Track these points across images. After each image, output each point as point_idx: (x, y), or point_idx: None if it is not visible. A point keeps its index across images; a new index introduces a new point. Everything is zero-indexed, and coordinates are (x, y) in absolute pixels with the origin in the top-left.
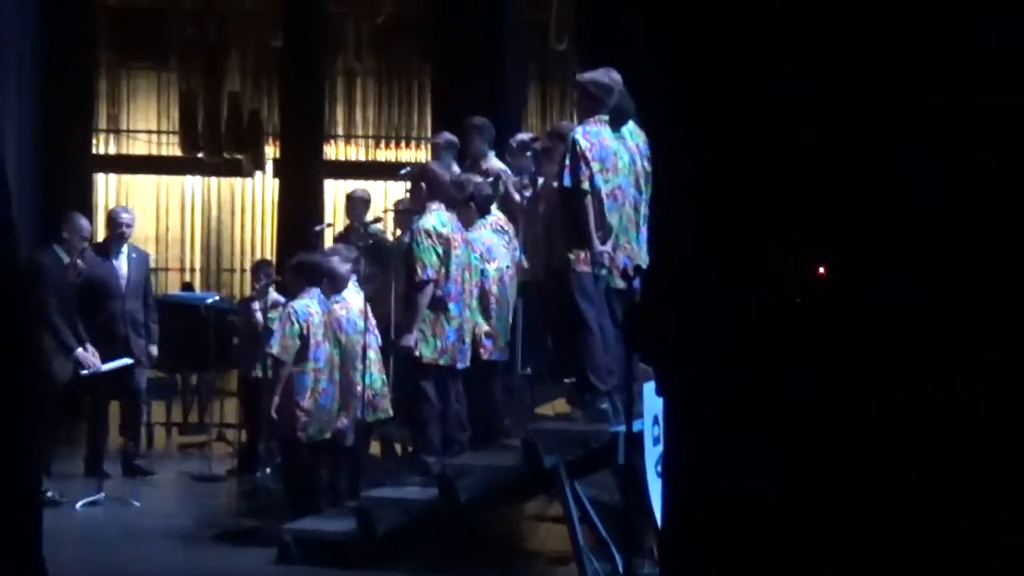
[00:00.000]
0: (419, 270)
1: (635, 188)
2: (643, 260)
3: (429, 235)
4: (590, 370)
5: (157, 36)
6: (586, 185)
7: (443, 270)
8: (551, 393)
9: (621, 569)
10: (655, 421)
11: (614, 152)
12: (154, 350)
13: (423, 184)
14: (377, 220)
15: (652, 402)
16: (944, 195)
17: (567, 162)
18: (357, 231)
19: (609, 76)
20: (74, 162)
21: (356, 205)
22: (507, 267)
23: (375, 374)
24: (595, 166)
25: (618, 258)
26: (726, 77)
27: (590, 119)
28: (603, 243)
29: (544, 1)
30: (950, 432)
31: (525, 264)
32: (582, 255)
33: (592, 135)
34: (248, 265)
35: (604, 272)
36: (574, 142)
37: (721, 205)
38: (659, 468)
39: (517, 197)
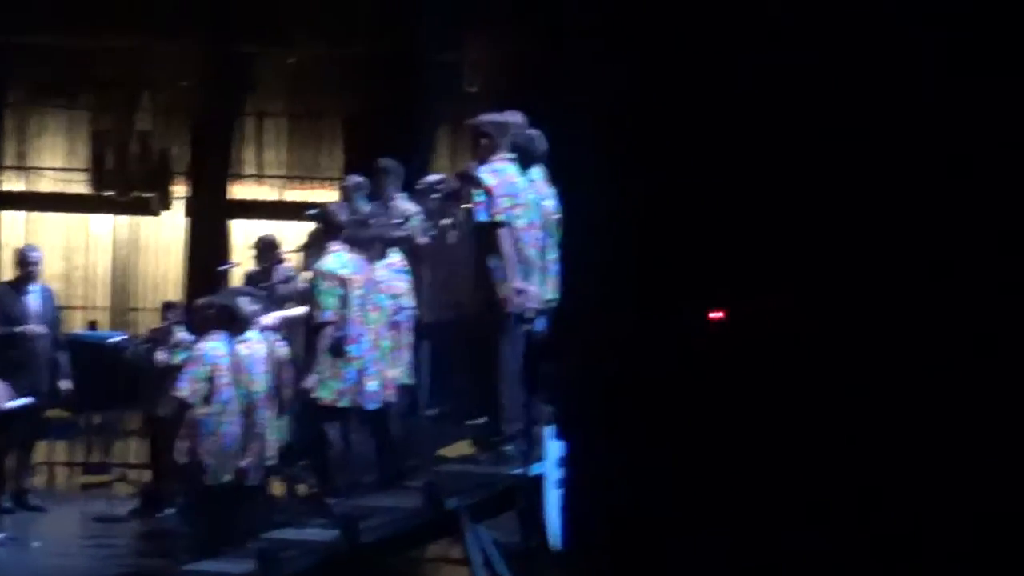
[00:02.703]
0: (317, 312)
1: (541, 229)
2: (546, 299)
3: (327, 277)
4: (500, 412)
5: (68, 74)
6: (501, 217)
7: (342, 312)
8: (455, 434)
9: None
10: (556, 464)
11: (522, 189)
12: (65, 384)
13: (328, 225)
14: (286, 262)
15: (554, 446)
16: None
17: (478, 199)
18: (265, 273)
19: (507, 117)
20: None
21: (264, 247)
22: (410, 307)
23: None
24: (506, 201)
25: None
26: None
27: (494, 158)
28: (524, 278)
29: (459, 43)
30: (836, 462)
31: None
32: (502, 293)
33: (498, 172)
34: (155, 304)
35: (528, 312)
36: (478, 179)
37: (629, 251)
38: (560, 509)
39: (423, 240)
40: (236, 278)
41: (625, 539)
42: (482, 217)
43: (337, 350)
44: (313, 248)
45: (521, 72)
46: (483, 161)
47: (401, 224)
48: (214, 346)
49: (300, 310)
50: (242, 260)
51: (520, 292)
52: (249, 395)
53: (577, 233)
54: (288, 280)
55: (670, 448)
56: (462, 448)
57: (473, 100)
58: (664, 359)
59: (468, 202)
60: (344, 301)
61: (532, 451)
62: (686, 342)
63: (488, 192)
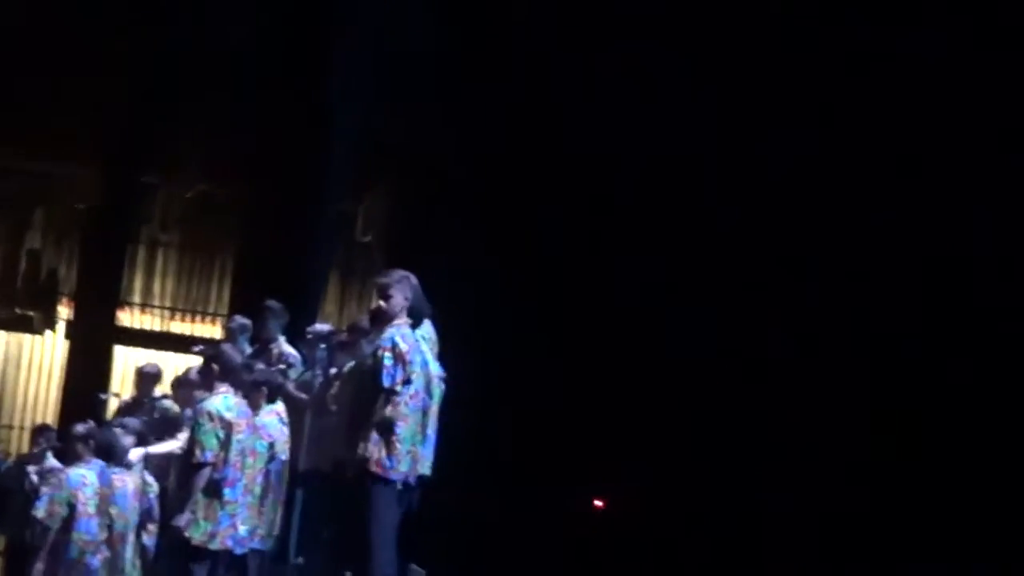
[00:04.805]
0: (197, 452)
1: (426, 392)
2: (426, 466)
3: (212, 417)
4: (369, 570)
5: None
6: (400, 387)
7: (223, 454)
8: None
9: None
10: None
11: (419, 353)
12: None
13: (215, 366)
14: (165, 396)
15: None
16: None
17: (386, 362)
18: (144, 405)
19: (407, 276)
20: None
21: (145, 379)
22: (284, 457)
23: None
24: (409, 368)
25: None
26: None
27: (397, 320)
28: (406, 446)
29: (356, 194)
30: None
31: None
32: (378, 457)
33: (407, 337)
34: (30, 424)
35: (402, 479)
36: (394, 343)
37: (509, 433)
38: None
39: (295, 392)
40: (117, 407)
41: None
42: (386, 383)
43: (214, 492)
44: (192, 386)
45: (411, 227)
46: (381, 319)
47: (285, 370)
48: (81, 473)
49: (172, 446)
50: (122, 388)
51: (397, 460)
52: (115, 528)
53: (457, 403)
54: (164, 414)
55: None
56: None
57: (364, 250)
58: (546, 541)
59: (357, 356)
60: (225, 444)
61: None
62: (569, 527)
63: (397, 358)
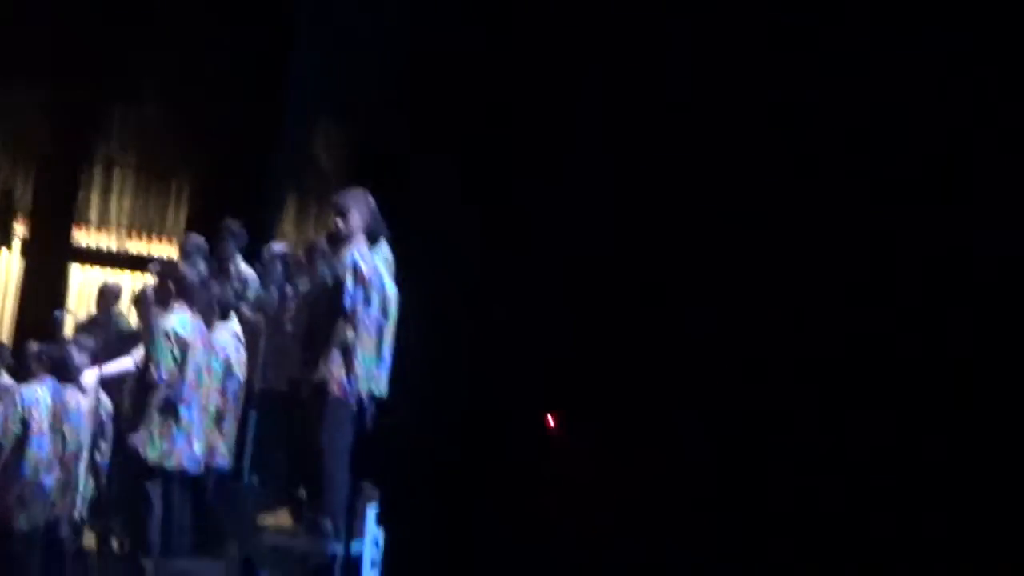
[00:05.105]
0: (153, 370)
1: (382, 312)
2: (380, 386)
3: (168, 336)
4: (322, 487)
5: None
6: (358, 308)
7: (178, 373)
8: (275, 504)
9: None
10: (375, 544)
11: (378, 275)
12: None
13: (171, 284)
14: (122, 315)
15: (374, 525)
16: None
17: (347, 284)
18: (102, 323)
19: (365, 197)
20: None
21: (105, 296)
22: (239, 375)
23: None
24: (366, 290)
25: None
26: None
27: (354, 240)
28: (361, 366)
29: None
30: None
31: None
32: (336, 378)
33: (367, 258)
34: None
35: (355, 399)
36: (355, 265)
37: (459, 346)
38: None
39: (248, 313)
40: (73, 325)
41: None
42: (346, 305)
43: (168, 410)
44: (148, 303)
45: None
46: (338, 240)
47: (241, 290)
48: (34, 389)
49: (126, 363)
50: (78, 307)
51: (356, 380)
52: (69, 445)
53: (413, 320)
54: (122, 333)
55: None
56: (281, 519)
57: (324, 174)
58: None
59: (314, 276)
60: (181, 362)
61: (351, 528)
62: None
63: (361, 281)
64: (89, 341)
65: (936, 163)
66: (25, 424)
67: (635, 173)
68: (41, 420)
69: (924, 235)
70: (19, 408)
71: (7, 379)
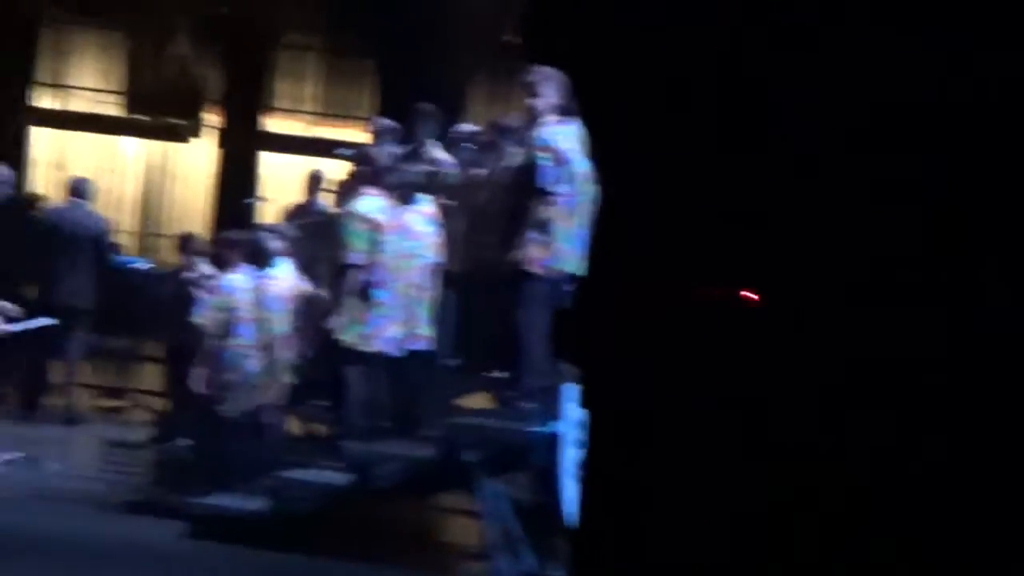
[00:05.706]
0: (345, 254)
1: (576, 189)
2: (575, 265)
3: (360, 220)
4: (522, 367)
5: None
6: (555, 187)
7: (372, 256)
8: (474, 386)
9: (530, 568)
10: (576, 424)
11: (574, 152)
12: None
13: (360, 167)
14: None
15: (574, 406)
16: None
17: (543, 163)
18: (308, 208)
19: (557, 77)
20: (9, 114)
21: (311, 182)
22: (437, 257)
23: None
24: (566, 169)
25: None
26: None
27: (548, 118)
28: (559, 244)
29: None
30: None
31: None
32: (535, 257)
33: (561, 136)
34: (176, 232)
35: (558, 277)
36: (548, 143)
37: (657, 226)
38: (577, 472)
39: (442, 195)
40: (265, 212)
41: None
42: (544, 183)
43: (363, 294)
44: (344, 189)
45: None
46: (531, 120)
47: (433, 172)
48: (235, 279)
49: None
50: (269, 194)
51: (555, 258)
52: (270, 331)
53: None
54: (323, 216)
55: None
56: (481, 400)
57: (512, 50)
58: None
59: (503, 156)
60: (374, 245)
61: (551, 409)
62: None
63: (557, 158)
64: (287, 227)
65: None
66: (229, 311)
67: None
68: (243, 308)
69: None
70: (222, 296)
71: (207, 268)
